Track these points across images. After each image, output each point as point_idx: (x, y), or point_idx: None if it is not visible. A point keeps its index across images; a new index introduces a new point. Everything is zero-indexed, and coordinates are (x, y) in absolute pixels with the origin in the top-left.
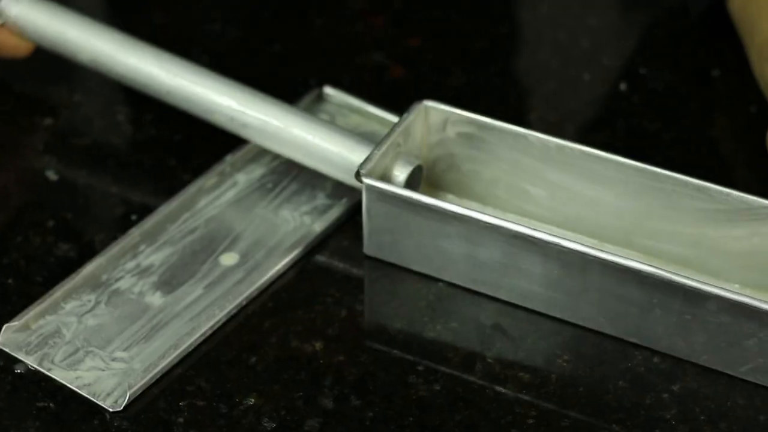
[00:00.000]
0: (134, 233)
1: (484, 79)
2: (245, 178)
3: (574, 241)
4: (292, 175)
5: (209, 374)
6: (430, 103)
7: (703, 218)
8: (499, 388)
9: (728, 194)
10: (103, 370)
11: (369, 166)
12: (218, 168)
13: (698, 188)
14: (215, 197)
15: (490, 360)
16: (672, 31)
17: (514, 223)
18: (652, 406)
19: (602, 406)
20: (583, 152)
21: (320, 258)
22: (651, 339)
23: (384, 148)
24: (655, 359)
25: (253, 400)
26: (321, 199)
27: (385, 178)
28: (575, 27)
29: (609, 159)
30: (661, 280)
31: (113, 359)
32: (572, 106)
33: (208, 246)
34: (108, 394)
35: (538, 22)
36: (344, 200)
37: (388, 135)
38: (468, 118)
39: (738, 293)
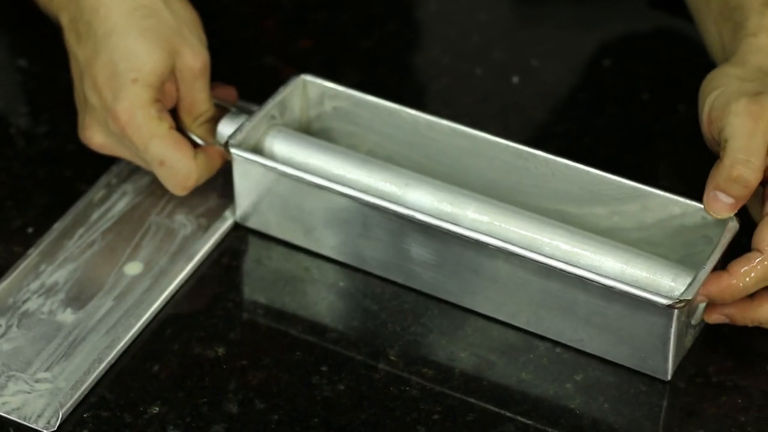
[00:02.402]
0: (32, 254)
1: (377, 77)
2: (133, 187)
3: (431, 215)
4: None
5: (112, 384)
6: (308, 77)
7: (565, 196)
8: (403, 386)
9: (588, 173)
10: (29, 393)
11: (239, 136)
12: (105, 180)
13: (559, 166)
14: (107, 209)
15: (393, 357)
16: (562, 23)
17: (366, 194)
18: (556, 396)
19: (506, 398)
20: (451, 128)
21: (220, 262)
22: (511, 315)
23: (256, 120)
24: (558, 350)
25: (157, 408)
26: (213, 200)
27: (258, 149)
28: (466, 22)
29: (475, 135)
30: (507, 252)
31: (37, 381)
32: (466, 101)
33: (109, 258)
34: (39, 416)
35: (428, 18)
36: None
37: (261, 107)
38: (343, 92)
39: (582, 269)
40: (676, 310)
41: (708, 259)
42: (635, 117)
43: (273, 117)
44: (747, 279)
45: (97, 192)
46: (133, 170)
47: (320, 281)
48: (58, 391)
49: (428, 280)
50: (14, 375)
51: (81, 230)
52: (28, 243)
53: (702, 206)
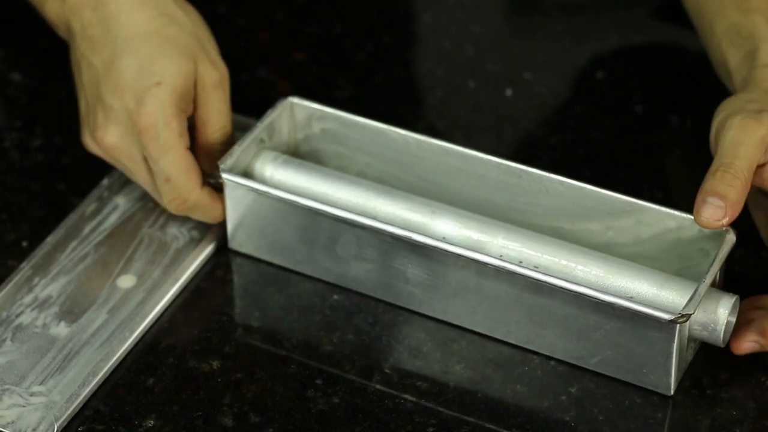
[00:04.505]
0: (25, 267)
1: (371, 90)
2: (125, 200)
3: (421, 233)
4: None
5: (107, 398)
6: (295, 100)
7: (559, 212)
8: (398, 399)
9: (582, 188)
10: (24, 406)
11: (230, 161)
12: (96, 193)
13: (552, 183)
14: (99, 222)
15: (387, 370)
16: (555, 35)
17: (357, 214)
18: (550, 408)
19: (501, 411)
20: (441, 147)
21: (213, 275)
22: (508, 333)
23: (245, 143)
24: (552, 362)
25: (152, 421)
26: None
27: (248, 173)
28: (459, 35)
29: (466, 154)
30: (505, 271)
31: (31, 394)
32: (459, 113)
33: (102, 271)
34: (34, 430)
35: (422, 31)
36: None
37: (250, 131)
38: (331, 114)
39: (581, 285)
40: (678, 325)
41: (707, 272)
42: (629, 129)
43: (262, 140)
44: None
45: (88, 205)
46: (124, 183)
47: (315, 294)
48: (52, 404)
49: (424, 300)
50: (9, 388)
51: (74, 243)
52: (23, 257)
53: None
